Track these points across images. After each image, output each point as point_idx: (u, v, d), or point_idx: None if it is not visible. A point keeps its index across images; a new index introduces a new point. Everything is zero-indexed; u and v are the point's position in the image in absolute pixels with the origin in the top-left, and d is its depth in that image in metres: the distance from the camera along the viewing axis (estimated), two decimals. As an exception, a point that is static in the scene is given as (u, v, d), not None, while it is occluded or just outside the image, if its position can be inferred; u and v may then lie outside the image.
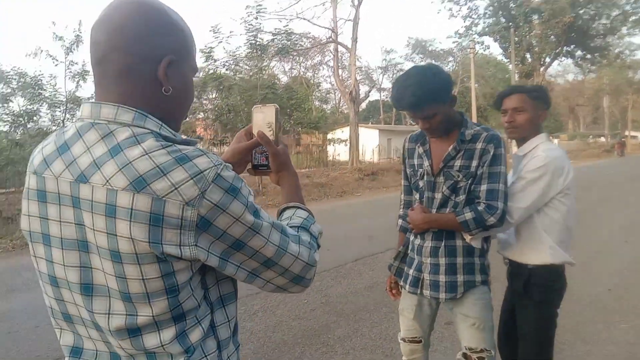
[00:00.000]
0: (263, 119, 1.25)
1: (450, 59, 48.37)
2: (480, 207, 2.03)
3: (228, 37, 15.13)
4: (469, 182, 2.09)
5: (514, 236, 2.34)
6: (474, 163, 2.08)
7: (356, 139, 24.27)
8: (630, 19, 31.86)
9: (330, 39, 26.15)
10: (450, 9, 39.83)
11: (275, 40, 15.73)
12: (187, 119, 21.04)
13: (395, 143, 31.50)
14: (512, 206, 2.13)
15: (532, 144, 2.30)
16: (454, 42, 40.70)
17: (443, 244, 2.17)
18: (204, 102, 19.46)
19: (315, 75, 46.02)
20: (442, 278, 2.17)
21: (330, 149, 31.12)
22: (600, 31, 33.24)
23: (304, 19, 24.69)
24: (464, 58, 41.48)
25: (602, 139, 59.32)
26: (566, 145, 48.46)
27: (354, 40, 24.80)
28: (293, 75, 44.53)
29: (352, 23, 25.07)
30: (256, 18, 14.87)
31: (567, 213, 2.23)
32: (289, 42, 16.04)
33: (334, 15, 25.37)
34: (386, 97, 49.34)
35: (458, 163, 2.11)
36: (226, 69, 15.61)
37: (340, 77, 27.35)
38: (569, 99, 61.30)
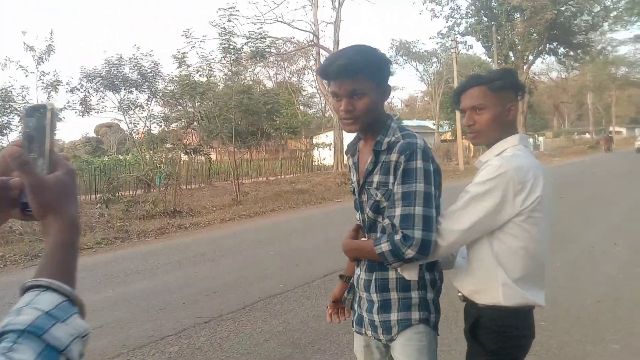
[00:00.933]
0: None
1: (435, 60, 48.13)
2: (397, 237, 1.61)
3: (201, 41, 14.55)
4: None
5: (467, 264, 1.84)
6: (391, 179, 1.69)
7: (340, 143, 23.92)
8: (612, 15, 31.81)
9: (312, 42, 25.84)
10: (433, 10, 39.64)
11: (250, 43, 15.22)
12: (174, 127, 20.51)
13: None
14: (445, 227, 1.65)
15: (498, 149, 1.79)
16: (437, 43, 40.37)
17: (374, 276, 1.78)
18: (180, 109, 19.04)
19: (301, 79, 45.82)
20: (376, 317, 1.79)
21: (315, 153, 30.80)
22: (582, 28, 33.12)
23: (284, 22, 24.18)
24: (448, 59, 41.26)
25: (587, 135, 59.60)
26: (551, 143, 48.62)
27: (336, 42, 24.62)
28: (278, 80, 44.60)
29: (333, 26, 24.98)
30: (229, 21, 14.37)
31: (532, 241, 1.68)
32: (263, 46, 15.51)
33: (314, 18, 25.20)
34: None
35: (376, 179, 1.73)
36: (200, 75, 15.04)
37: (323, 81, 26.85)
38: (553, 96, 61.53)
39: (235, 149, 18.93)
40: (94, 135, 59.84)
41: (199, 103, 15.07)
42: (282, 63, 43.36)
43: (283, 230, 9.61)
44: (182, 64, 15.36)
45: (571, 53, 35.83)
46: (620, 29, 42.21)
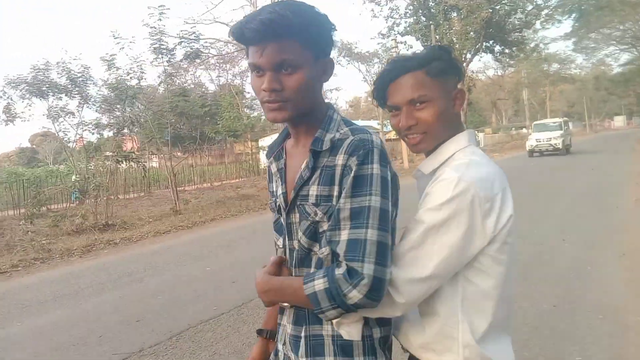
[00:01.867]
0: None
1: (377, 60, 48.39)
2: (338, 272, 1.09)
3: (130, 42, 13.67)
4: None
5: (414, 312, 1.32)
6: (335, 191, 1.18)
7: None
8: (543, 13, 32.92)
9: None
10: (372, 10, 39.94)
11: (183, 43, 14.42)
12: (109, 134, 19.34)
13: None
14: (399, 276, 1.14)
15: (444, 154, 1.32)
16: (378, 44, 40.70)
17: (304, 332, 1.25)
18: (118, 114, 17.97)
19: (244, 81, 45.21)
20: None
21: (262, 156, 30.18)
22: (516, 25, 34.16)
23: (222, 23, 23.50)
24: (389, 59, 41.64)
25: (524, 130, 61.70)
26: (490, 139, 49.98)
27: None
28: (221, 83, 44.28)
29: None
30: (160, 20, 13.53)
31: (505, 276, 1.22)
32: (198, 46, 14.75)
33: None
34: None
35: (314, 190, 1.21)
36: (130, 77, 14.11)
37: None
38: (490, 93, 63.33)
39: (174, 155, 18.07)
40: (29, 145, 56.97)
41: (129, 108, 14.11)
42: (224, 65, 42.62)
43: (222, 241, 8.95)
44: (111, 66, 14.48)
45: (506, 51, 36.83)
46: (552, 27, 44.03)
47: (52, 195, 15.43)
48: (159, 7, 13.46)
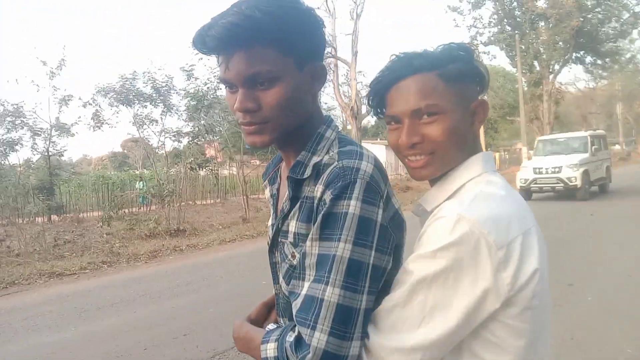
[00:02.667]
0: None
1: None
2: (289, 339, 0.88)
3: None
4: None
5: None
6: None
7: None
8: (641, 21, 30.53)
9: (330, 54, 25.35)
10: (454, 19, 39.05)
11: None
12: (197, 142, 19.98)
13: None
14: (379, 344, 0.86)
15: (454, 183, 1.00)
16: (459, 53, 39.53)
17: None
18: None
19: (321, 92, 45.60)
20: None
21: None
22: (610, 35, 31.88)
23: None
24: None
25: (617, 146, 57.68)
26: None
27: (354, 54, 24.08)
28: None
29: (351, 37, 24.46)
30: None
31: (528, 355, 0.88)
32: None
33: (332, 29, 24.67)
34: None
35: (293, 227, 0.99)
36: (207, 87, 14.50)
37: (342, 93, 26.50)
38: (581, 107, 59.71)
39: (249, 163, 18.34)
40: (120, 150, 60.51)
41: (205, 116, 14.50)
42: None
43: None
44: (190, 76, 14.98)
45: (599, 62, 34.57)
46: (651, 36, 40.77)
47: (131, 199, 16.10)
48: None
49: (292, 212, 0.99)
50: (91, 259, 8.77)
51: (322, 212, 0.88)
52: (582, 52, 33.26)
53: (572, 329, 4.20)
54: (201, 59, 14.29)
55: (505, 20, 32.29)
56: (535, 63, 31.91)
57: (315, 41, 0.98)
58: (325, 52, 1.09)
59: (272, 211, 1.13)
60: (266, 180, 1.20)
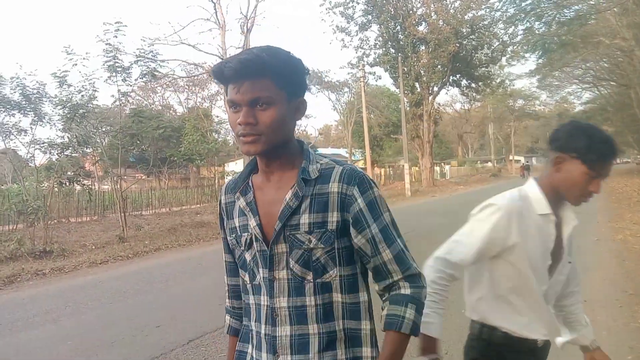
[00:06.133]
0: None
1: (346, 89, 48.62)
2: (408, 291, 1.30)
3: (84, 58, 13.01)
4: (333, 247, 1.30)
5: None
6: (334, 217, 1.29)
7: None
8: (509, 49, 33.59)
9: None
10: (343, 40, 40.35)
11: (140, 62, 13.80)
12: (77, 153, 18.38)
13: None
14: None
15: None
16: (348, 73, 40.93)
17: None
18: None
19: (214, 105, 44.79)
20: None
21: (227, 181, 29.51)
22: (482, 61, 34.76)
23: (188, 44, 22.95)
24: (359, 88, 41.86)
25: (489, 164, 62.77)
26: (457, 171, 50.45)
27: (245, 68, 23.76)
28: (190, 105, 43.77)
29: (242, 50, 24.16)
30: (115, 37, 12.94)
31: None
32: (154, 65, 14.17)
33: (222, 42, 24.15)
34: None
35: (306, 219, 1.29)
36: (82, 95, 13.39)
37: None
38: (457, 126, 64.38)
39: (132, 177, 17.26)
40: (-15, 162, 54.72)
41: (77, 127, 13.35)
42: (193, 88, 42.14)
43: (160, 276, 8.17)
44: (62, 83, 13.78)
45: (473, 85, 37.55)
46: (517, 64, 45.06)
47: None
48: (115, 23, 12.91)
49: (302, 208, 1.28)
50: None
51: (363, 204, 1.28)
52: (458, 76, 35.86)
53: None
54: (75, 64, 13.24)
55: (390, 43, 33.91)
56: (417, 84, 33.79)
57: (302, 82, 1.33)
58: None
59: (252, 215, 1.35)
60: (237, 193, 1.39)
